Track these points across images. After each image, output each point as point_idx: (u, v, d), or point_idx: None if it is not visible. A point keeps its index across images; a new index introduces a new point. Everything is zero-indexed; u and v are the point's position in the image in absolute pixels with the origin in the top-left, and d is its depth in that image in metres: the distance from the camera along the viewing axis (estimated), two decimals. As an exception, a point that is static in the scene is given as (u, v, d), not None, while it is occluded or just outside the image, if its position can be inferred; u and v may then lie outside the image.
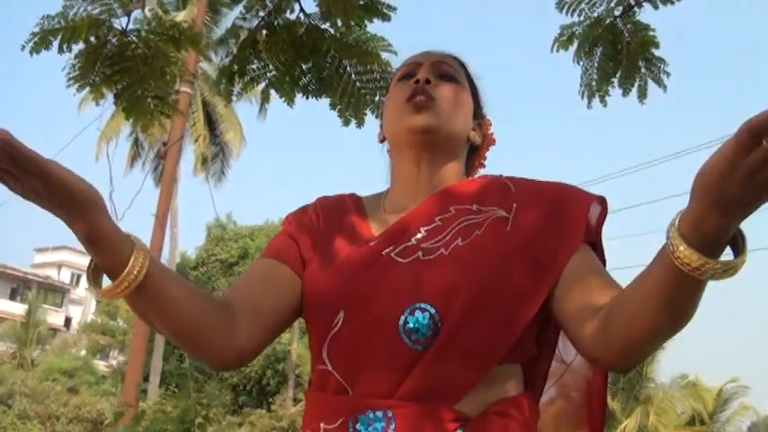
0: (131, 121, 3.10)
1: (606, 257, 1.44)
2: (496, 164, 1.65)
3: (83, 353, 33.53)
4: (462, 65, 1.61)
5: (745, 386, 24.75)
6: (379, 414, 1.24)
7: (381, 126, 1.62)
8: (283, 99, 2.91)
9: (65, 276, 47.82)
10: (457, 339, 1.25)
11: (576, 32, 3.50)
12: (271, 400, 22.73)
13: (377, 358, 1.27)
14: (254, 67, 2.89)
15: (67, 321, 43.46)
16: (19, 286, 42.61)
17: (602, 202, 1.43)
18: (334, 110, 2.98)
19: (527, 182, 1.49)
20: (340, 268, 1.37)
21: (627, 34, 3.48)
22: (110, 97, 3.10)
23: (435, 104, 1.45)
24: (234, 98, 2.91)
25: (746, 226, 1.02)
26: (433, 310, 1.26)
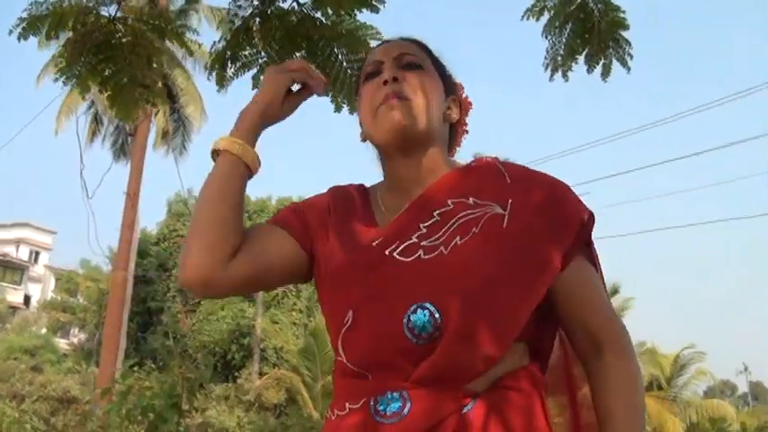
0: (116, 110, 3.11)
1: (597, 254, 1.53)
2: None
3: (43, 331, 33.11)
4: (424, 47, 1.64)
5: (701, 352, 25.17)
6: (396, 395, 1.34)
7: (360, 124, 1.65)
8: None
9: (23, 254, 47.03)
10: (458, 335, 1.33)
11: (549, 6, 3.60)
12: (236, 374, 22.76)
13: (386, 353, 1.37)
14: (246, 53, 2.94)
15: (27, 299, 42.91)
16: (-24, 264, 41.94)
17: (590, 213, 1.50)
18: (327, 96, 3.01)
19: (522, 172, 1.54)
20: (349, 271, 1.45)
21: (597, 14, 3.59)
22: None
23: (407, 102, 1.50)
24: (226, 84, 2.96)
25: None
26: (433, 309, 1.34)
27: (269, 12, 2.88)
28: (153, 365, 8.72)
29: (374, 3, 2.81)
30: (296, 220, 1.57)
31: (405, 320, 1.35)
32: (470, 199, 1.46)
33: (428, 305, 1.34)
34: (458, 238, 1.41)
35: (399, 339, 1.35)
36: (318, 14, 2.93)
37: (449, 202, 1.47)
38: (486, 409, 1.34)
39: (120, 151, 24.49)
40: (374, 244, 1.46)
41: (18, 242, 47.51)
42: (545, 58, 3.65)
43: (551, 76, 3.67)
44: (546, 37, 3.62)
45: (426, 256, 1.40)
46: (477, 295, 1.34)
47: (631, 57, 3.60)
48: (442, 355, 1.33)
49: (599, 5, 3.53)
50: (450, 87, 1.64)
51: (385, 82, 1.52)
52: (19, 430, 13.07)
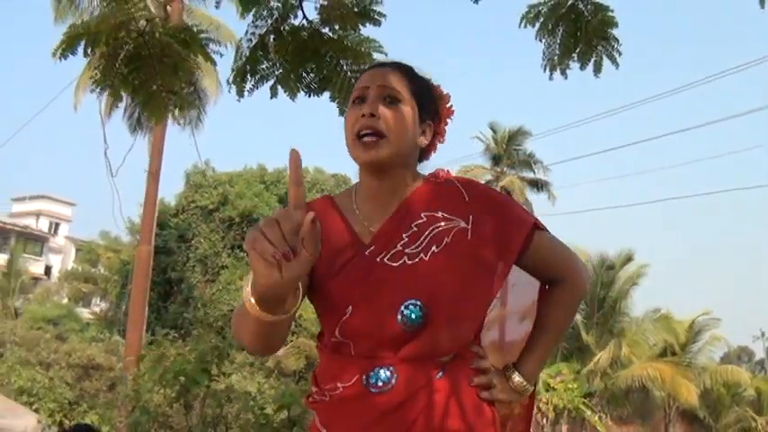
0: (147, 114, 3.44)
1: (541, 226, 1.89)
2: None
3: (65, 301, 33.68)
4: (407, 74, 1.85)
5: (716, 318, 25.39)
6: (385, 369, 1.67)
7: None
8: (288, 95, 3.26)
9: (43, 225, 47.64)
10: (440, 323, 1.69)
11: (542, 11, 3.86)
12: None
13: (380, 337, 1.69)
14: (263, 67, 3.25)
15: (48, 270, 43.58)
16: (-2, 236, 42.53)
17: (533, 221, 1.85)
18: (334, 102, 3.35)
19: (477, 191, 1.85)
20: (347, 275, 1.73)
21: (587, 14, 3.83)
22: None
23: (381, 140, 1.74)
24: (246, 94, 3.26)
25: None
26: (420, 304, 1.67)
27: (282, 29, 3.17)
28: (176, 335, 9.20)
29: (375, 17, 3.12)
30: None
31: (398, 314, 1.67)
32: (440, 213, 1.78)
33: (417, 301, 1.67)
34: (434, 246, 1.73)
35: (394, 327, 1.67)
36: (326, 30, 3.22)
37: (422, 215, 1.78)
38: (451, 375, 1.72)
39: (137, 124, 24.79)
40: (367, 252, 1.75)
41: (38, 214, 48.10)
42: (542, 59, 3.91)
43: (550, 75, 3.93)
44: (540, 40, 3.87)
45: (410, 262, 1.72)
46: (453, 291, 1.69)
47: (620, 54, 3.85)
48: (427, 339, 1.68)
49: (588, 6, 3.78)
50: (428, 110, 1.88)
51: (363, 115, 1.78)
52: (49, 395, 13.61)
